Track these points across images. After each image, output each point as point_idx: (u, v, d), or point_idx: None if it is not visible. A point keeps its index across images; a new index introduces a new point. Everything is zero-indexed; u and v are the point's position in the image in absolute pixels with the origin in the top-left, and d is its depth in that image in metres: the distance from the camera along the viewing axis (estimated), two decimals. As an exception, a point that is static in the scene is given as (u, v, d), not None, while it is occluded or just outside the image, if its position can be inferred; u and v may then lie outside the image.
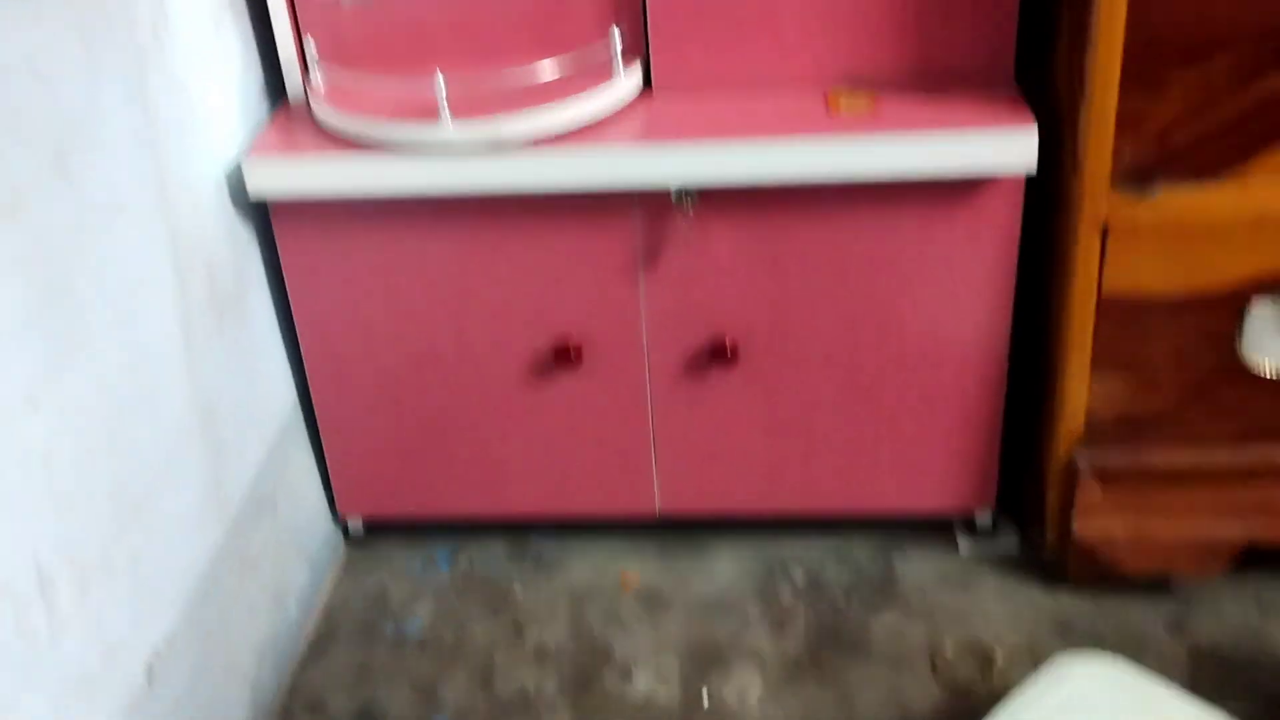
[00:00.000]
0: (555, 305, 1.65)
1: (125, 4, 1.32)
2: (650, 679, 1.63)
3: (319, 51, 1.62)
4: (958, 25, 1.53)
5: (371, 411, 1.76)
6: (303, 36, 1.63)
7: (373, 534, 1.90)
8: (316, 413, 1.77)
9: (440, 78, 1.47)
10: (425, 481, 1.81)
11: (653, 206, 1.56)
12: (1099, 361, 1.55)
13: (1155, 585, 1.67)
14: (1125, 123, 1.40)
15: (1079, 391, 1.57)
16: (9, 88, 1.11)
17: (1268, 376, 1.53)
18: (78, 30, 1.23)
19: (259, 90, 1.66)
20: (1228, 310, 1.50)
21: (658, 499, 1.79)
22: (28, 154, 1.14)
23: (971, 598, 1.71)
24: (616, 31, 1.55)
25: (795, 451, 1.72)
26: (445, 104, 1.48)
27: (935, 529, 1.81)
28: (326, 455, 1.81)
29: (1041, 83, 1.56)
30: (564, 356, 1.67)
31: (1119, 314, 1.51)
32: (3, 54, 1.10)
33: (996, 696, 1.28)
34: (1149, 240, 1.46)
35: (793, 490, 1.76)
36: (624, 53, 1.56)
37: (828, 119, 1.51)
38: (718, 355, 1.65)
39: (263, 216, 1.63)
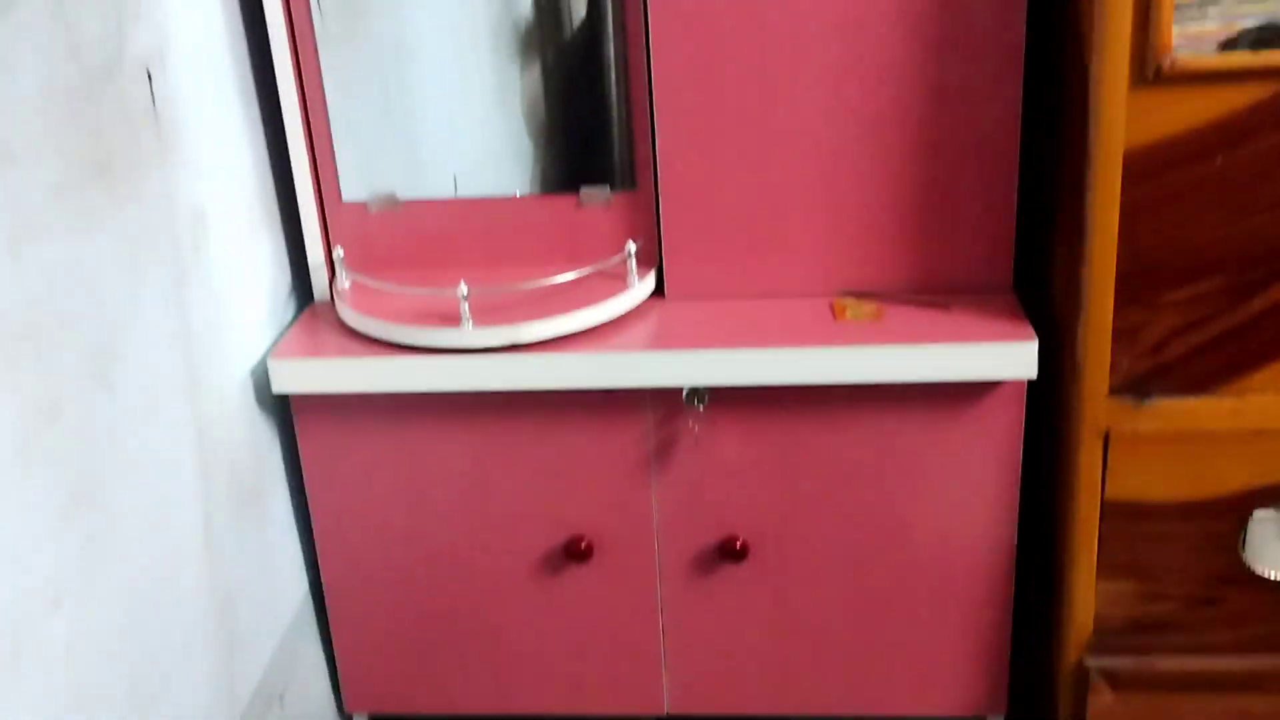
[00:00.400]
0: (567, 501, 1.68)
1: (170, 217, 1.39)
2: None
3: (346, 257, 1.69)
4: (957, 240, 1.61)
5: (382, 605, 1.77)
6: (331, 244, 1.71)
7: (378, 730, 1.89)
8: (328, 605, 1.78)
9: (463, 287, 1.53)
10: (433, 677, 1.80)
11: (665, 406, 1.61)
12: (1105, 566, 1.57)
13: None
14: (1121, 335, 1.46)
15: (1087, 596, 1.58)
16: (58, 294, 1.17)
17: (1274, 580, 1.55)
18: (126, 242, 1.29)
19: (287, 291, 1.73)
20: (1230, 518, 1.52)
21: (666, 698, 1.78)
22: (71, 360, 1.19)
23: (985, 806, 1.68)
24: (632, 245, 1.63)
25: (805, 652, 1.73)
26: (467, 311, 1.54)
27: (947, 733, 1.79)
28: (336, 649, 1.81)
29: (1040, 288, 1.63)
30: (575, 552, 1.69)
31: (1123, 519, 1.54)
32: (56, 262, 1.16)
33: None
34: (1150, 448, 1.50)
35: (802, 691, 1.75)
36: (639, 263, 1.64)
37: (834, 326, 1.57)
38: (728, 554, 1.67)
39: (284, 411, 1.68)
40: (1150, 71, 1.34)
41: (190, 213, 1.44)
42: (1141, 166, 1.38)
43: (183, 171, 1.42)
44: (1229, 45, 1.34)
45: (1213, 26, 1.34)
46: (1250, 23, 1.33)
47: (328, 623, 1.80)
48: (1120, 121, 1.36)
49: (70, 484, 1.18)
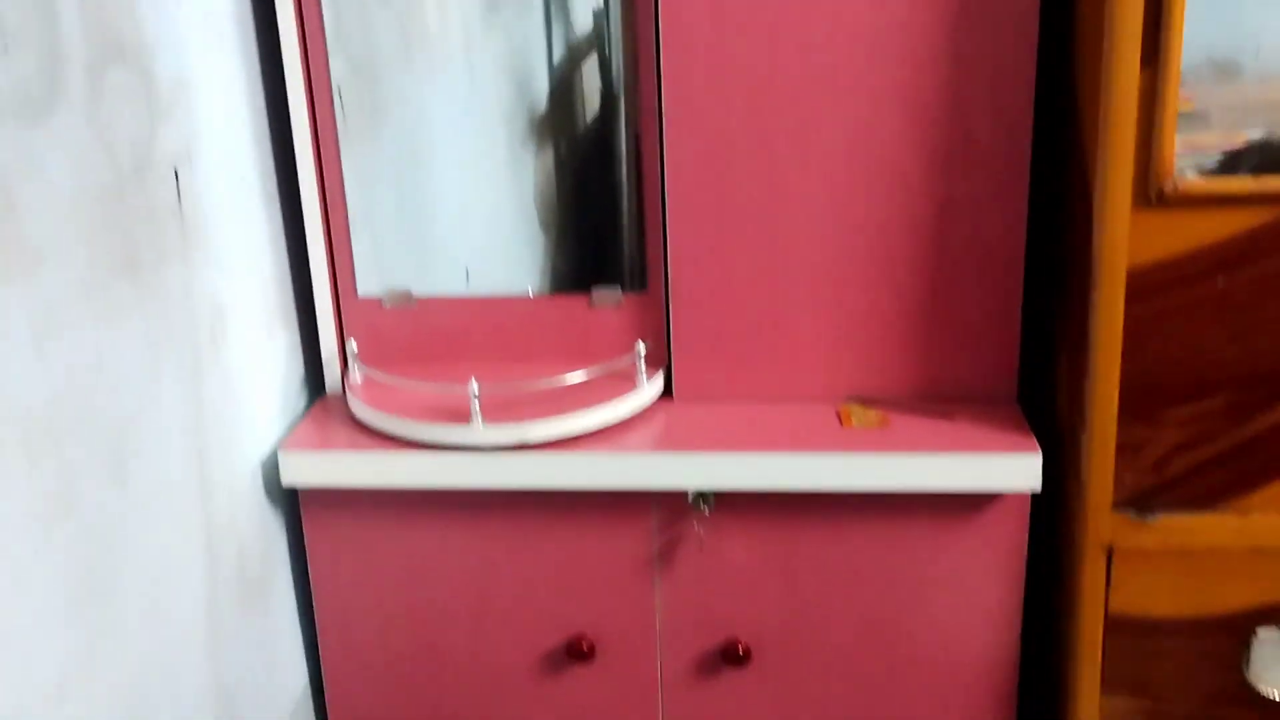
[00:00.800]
0: (571, 600, 1.68)
1: (190, 311, 1.42)
2: None
3: (359, 351, 1.72)
4: (962, 349, 1.63)
5: (383, 699, 1.76)
6: (345, 337, 1.73)
7: (372, 827, 1.86)
8: (327, 699, 1.77)
9: (474, 385, 1.55)
10: (430, 775, 1.79)
11: (670, 507, 1.62)
12: (1109, 680, 1.56)
13: None
14: (1125, 450, 1.47)
15: (1090, 711, 1.57)
16: (78, 389, 1.19)
17: (1277, 701, 1.54)
18: (146, 335, 1.32)
19: (299, 383, 1.75)
20: (1233, 637, 1.52)
21: (665, 802, 1.77)
22: (87, 453, 1.20)
23: None
24: (642, 346, 1.65)
25: (806, 760, 1.71)
26: (478, 408, 1.56)
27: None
28: (333, 743, 1.80)
29: (1044, 395, 1.65)
30: (577, 652, 1.68)
31: (1127, 635, 1.53)
32: (78, 356, 1.19)
33: None
34: (1153, 563, 1.50)
35: (802, 799, 1.74)
36: (648, 364, 1.66)
37: (840, 433, 1.59)
38: (730, 657, 1.67)
39: (292, 502, 1.69)
40: (1153, 193, 1.37)
41: (210, 306, 1.47)
42: (1145, 285, 1.41)
43: (204, 266, 1.45)
44: (1232, 158, 1.37)
45: (1215, 137, 1.38)
46: (1255, 134, 1.36)
47: (327, 716, 1.79)
48: (1123, 241, 1.39)
49: (79, 578, 1.19)
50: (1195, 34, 1.33)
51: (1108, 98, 1.36)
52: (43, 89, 1.12)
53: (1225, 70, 1.36)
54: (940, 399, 1.65)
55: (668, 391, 1.70)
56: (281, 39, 1.63)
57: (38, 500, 1.12)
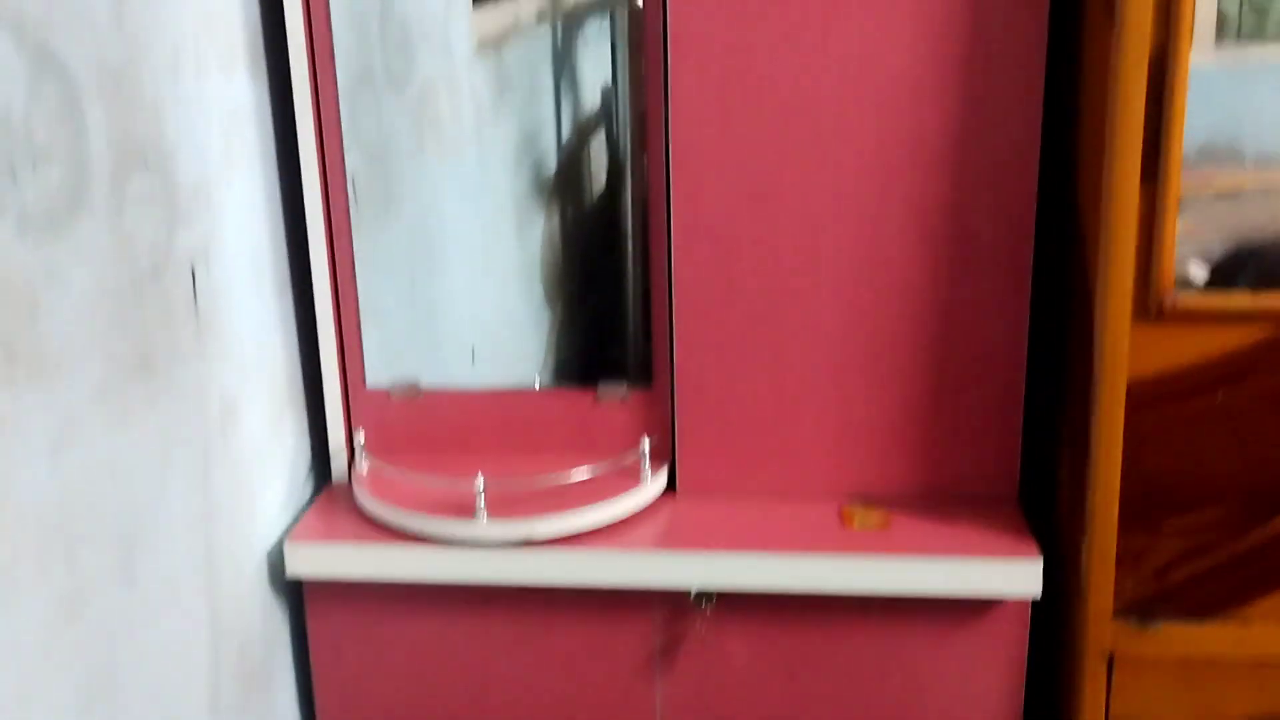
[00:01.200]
0: (572, 696, 1.68)
1: (201, 406, 1.43)
2: None
3: (366, 442, 1.73)
4: (964, 450, 1.64)
5: (379, 792, 1.75)
6: (353, 427, 1.75)
7: None
8: (324, 790, 1.77)
9: (480, 480, 1.56)
10: None
11: (672, 606, 1.62)
12: (1110, 788, 1.56)
13: None
14: (1125, 559, 1.48)
15: (1091, 819, 1.57)
16: (91, 493, 1.20)
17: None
18: (158, 434, 1.33)
19: (305, 471, 1.76)
20: (1235, 746, 1.52)
21: None
22: (97, 555, 1.21)
23: None
24: (647, 441, 1.66)
25: None
26: (483, 504, 1.57)
27: None
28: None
29: (1044, 493, 1.66)
30: (577, 748, 1.68)
31: (1128, 743, 1.54)
32: (91, 461, 1.20)
33: None
34: (1154, 672, 1.51)
35: None
36: (652, 459, 1.67)
37: (842, 534, 1.60)
38: (730, 756, 1.67)
39: (296, 592, 1.69)
40: (1153, 308, 1.40)
41: (221, 399, 1.48)
42: (1145, 397, 1.43)
43: (217, 360, 1.47)
44: (1231, 266, 1.39)
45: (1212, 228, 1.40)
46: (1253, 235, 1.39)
47: (323, 807, 1.78)
48: (1124, 355, 1.41)
49: (87, 679, 1.19)
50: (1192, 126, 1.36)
51: (1108, 214, 1.39)
52: (67, 200, 1.14)
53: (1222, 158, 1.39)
54: (942, 497, 1.66)
55: (671, 484, 1.72)
56: (299, 134, 1.66)
57: (48, 605, 1.13)
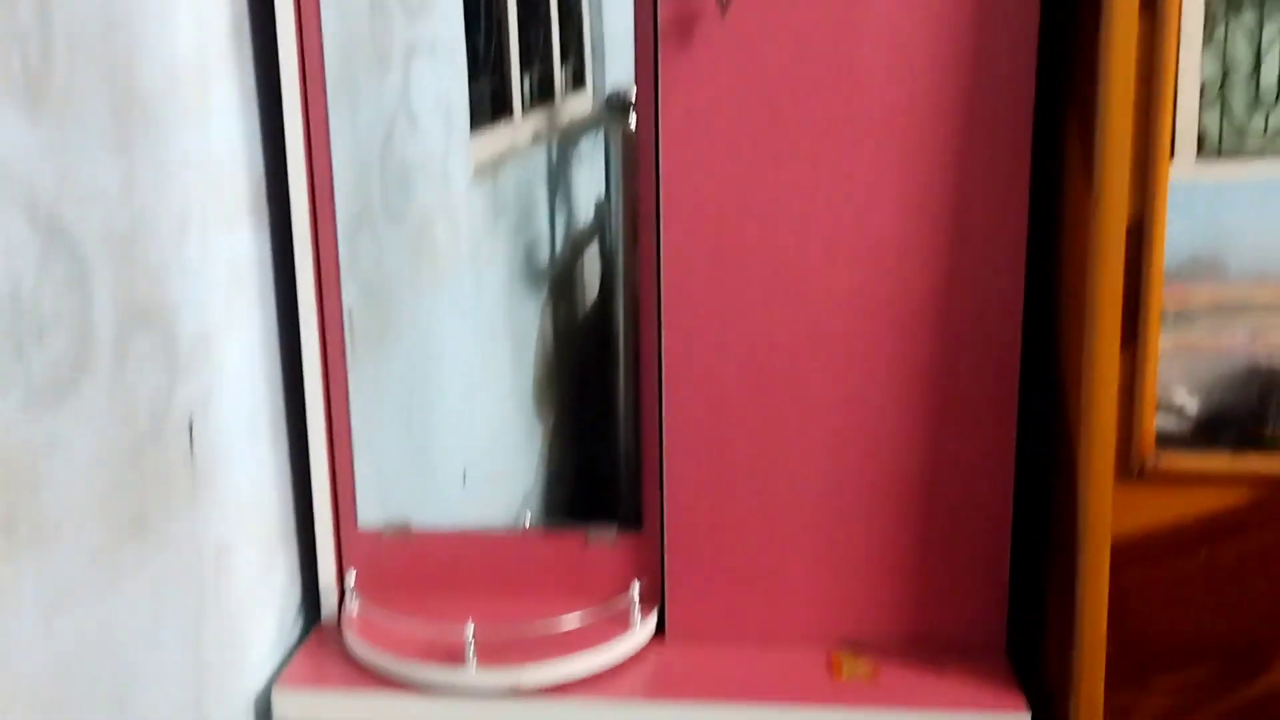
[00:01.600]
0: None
1: (195, 556, 1.44)
2: None
3: (357, 583, 1.74)
4: (952, 598, 1.66)
5: None
6: (344, 567, 1.75)
7: None
8: None
9: (470, 628, 1.57)
10: None
11: (661, 753, 1.62)
12: None
13: None
14: (1113, 716, 1.48)
15: None
16: (84, 657, 1.20)
17: None
18: (152, 589, 1.33)
19: (296, 610, 1.76)
20: None
21: None
22: (90, 717, 1.21)
23: None
24: (637, 586, 1.67)
25: None
26: (473, 651, 1.57)
27: None
28: None
29: (1032, 649, 1.66)
30: None
31: None
32: (86, 626, 1.20)
33: None
34: (1142, 830, 1.51)
35: None
36: (641, 602, 1.68)
37: (830, 684, 1.60)
38: None
39: (282, 734, 1.69)
40: (1134, 468, 1.42)
41: (214, 547, 1.49)
42: (1129, 556, 1.45)
43: (211, 508, 1.48)
44: (1213, 425, 1.42)
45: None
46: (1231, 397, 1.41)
47: None
48: (1106, 514, 1.43)
49: (71, 846, 1.19)
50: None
51: (1089, 376, 1.42)
52: (71, 367, 1.16)
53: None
54: (930, 644, 1.67)
55: (660, 626, 1.72)
56: (298, 278, 1.68)
57: (36, 772, 1.13)
